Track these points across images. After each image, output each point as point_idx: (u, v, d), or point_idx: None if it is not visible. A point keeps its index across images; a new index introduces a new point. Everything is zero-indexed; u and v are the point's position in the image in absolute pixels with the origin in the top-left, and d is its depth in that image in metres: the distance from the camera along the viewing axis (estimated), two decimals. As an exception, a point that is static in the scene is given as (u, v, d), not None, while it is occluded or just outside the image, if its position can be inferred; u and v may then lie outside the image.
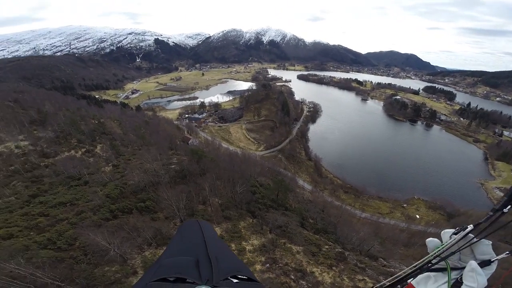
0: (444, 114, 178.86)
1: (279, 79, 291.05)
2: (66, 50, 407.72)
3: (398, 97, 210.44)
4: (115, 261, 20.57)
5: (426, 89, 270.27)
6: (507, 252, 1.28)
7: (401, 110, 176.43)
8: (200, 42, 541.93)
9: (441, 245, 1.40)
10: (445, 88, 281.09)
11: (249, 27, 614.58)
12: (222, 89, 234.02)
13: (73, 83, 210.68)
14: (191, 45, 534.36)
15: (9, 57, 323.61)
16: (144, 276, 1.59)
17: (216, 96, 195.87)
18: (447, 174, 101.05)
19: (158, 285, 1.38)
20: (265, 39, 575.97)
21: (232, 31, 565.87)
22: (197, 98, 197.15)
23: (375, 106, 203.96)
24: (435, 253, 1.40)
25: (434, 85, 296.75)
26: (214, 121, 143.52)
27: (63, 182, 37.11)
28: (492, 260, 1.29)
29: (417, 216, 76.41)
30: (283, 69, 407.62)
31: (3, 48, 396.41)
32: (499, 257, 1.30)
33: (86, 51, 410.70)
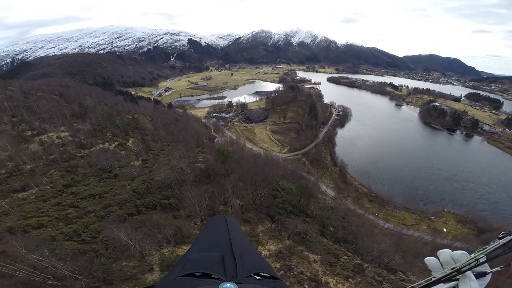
0: (488, 124, 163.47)
1: (308, 81, 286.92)
2: (108, 48, 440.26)
3: (436, 103, 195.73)
4: (133, 257, 21.17)
5: (468, 96, 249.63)
6: (502, 266, 1.34)
7: (439, 117, 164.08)
8: (230, 43, 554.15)
9: (467, 259, 1.40)
10: (491, 95, 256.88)
11: (278, 28, 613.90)
12: (250, 90, 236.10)
13: (112, 79, 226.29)
14: (222, 46, 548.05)
15: (58, 54, 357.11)
16: (172, 270, 1.65)
17: (243, 96, 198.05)
18: (484, 188, 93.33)
19: (186, 280, 1.45)
20: (295, 40, 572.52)
21: (261, 32, 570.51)
22: (225, 97, 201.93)
23: (410, 112, 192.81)
24: (456, 267, 1.43)
25: (478, 91, 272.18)
26: (240, 121, 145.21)
27: (95, 174, 39.64)
28: (487, 272, 1.39)
29: (444, 230, 72.33)
30: (313, 71, 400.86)
31: (54, 46, 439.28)
32: (494, 270, 1.39)
33: (126, 49, 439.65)
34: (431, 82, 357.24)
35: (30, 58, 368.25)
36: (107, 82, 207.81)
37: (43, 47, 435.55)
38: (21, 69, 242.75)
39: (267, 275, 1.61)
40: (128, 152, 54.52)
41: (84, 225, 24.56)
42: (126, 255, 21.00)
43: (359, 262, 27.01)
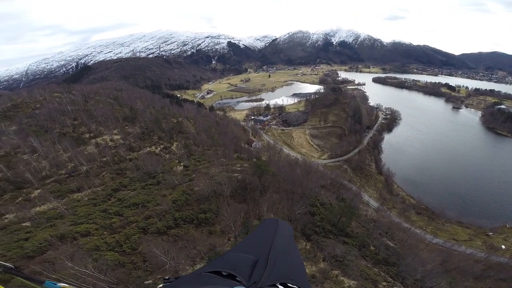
0: None
1: (351, 82, 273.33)
2: (156, 52, 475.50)
3: (503, 106, 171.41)
4: (168, 271, 21.48)
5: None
6: None
7: (506, 122, 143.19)
8: (267, 44, 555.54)
9: None
10: None
11: (317, 28, 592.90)
12: (288, 92, 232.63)
13: (160, 82, 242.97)
14: (259, 47, 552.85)
15: (114, 58, 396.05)
16: (206, 265, 1.73)
17: (281, 98, 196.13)
18: None
19: (210, 277, 1.49)
20: (335, 40, 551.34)
21: (298, 32, 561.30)
22: (263, 99, 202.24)
23: (471, 116, 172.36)
24: None
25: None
26: (277, 124, 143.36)
27: (140, 179, 41.83)
28: None
29: (503, 247, 65.06)
30: (356, 71, 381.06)
31: (110, 50, 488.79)
32: None
33: (172, 53, 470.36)
34: (495, 82, 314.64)
35: (91, 62, 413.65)
36: (156, 85, 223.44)
37: (101, 51, 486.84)
38: (83, 73, 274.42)
39: (295, 287, 1.53)
40: (172, 156, 56.98)
41: (126, 236, 25.75)
42: (162, 270, 21.33)
43: None
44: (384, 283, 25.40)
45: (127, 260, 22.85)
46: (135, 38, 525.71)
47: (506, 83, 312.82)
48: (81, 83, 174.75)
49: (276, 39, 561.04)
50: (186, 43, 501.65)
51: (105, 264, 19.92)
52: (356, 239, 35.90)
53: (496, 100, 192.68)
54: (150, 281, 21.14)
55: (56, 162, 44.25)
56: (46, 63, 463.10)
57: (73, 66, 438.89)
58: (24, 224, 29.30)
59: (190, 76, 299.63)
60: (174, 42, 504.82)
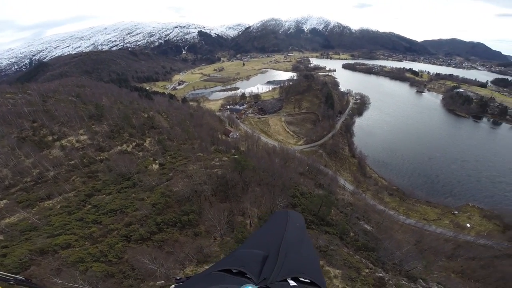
0: None
1: (322, 68, 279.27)
2: (120, 44, 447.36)
3: (460, 90, 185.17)
4: (159, 277, 21.31)
5: (496, 82, 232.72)
6: None
7: (464, 104, 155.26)
8: (240, 33, 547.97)
9: None
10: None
11: (288, 15, 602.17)
12: (262, 79, 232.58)
13: (127, 75, 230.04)
14: (232, 36, 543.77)
15: (73, 52, 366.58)
16: (216, 263, 1.68)
17: (256, 86, 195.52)
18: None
19: (220, 275, 1.48)
20: (306, 27, 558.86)
21: (270, 20, 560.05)
22: (238, 88, 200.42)
23: (433, 99, 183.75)
24: None
25: (506, 77, 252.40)
26: (253, 112, 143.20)
27: (114, 181, 39.83)
28: None
29: (468, 225, 69.97)
30: (327, 58, 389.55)
31: (68, 45, 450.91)
32: None
33: (138, 45, 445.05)
34: (453, 67, 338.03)
35: (47, 58, 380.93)
36: (122, 78, 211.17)
37: (58, 46, 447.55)
38: (39, 69, 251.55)
39: (307, 280, 1.49)
40: (146, 153, 54.59)
41: (109, 246, 24.88)
42: (153, 277, 21.07)
43: (381, 275, 26.26)
44: (367, 270, 26.65)
45: (115, 270, 22.28)
46: (96, 31, 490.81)
47: (463, 68, 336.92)
48: (37, 81, 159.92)
49: (249, 27, 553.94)
50: (153, 34, 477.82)
51: (94, 276, 19.52)
52: (337, 227, 37.19)
53: (455, 84, 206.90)
54: (162, 281, 21.13)
55: (18, 170, 40.91)
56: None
57: (26, 63, 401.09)
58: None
59: (159, 67, 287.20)
60: (140, 33, 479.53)
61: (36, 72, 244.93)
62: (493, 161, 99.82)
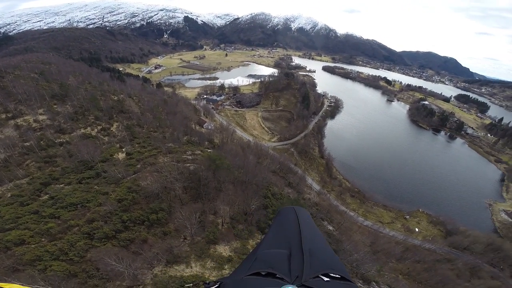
0: (472, 127, 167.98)
1: (303, 68, 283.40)
2: (99, 23, 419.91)
3: (426, 102, 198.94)
4: (127, 278, 20.63)
5: (458, 97, 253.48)
6: None
7: (427, 117, 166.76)
8: (227, 23, 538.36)
9: None
10: (480, 98, 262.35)
11: (279, 12, 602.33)
12: (243, 72, 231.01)
13: (100, 55, 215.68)
14: (219, 25, 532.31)
15: (44, 27, 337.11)
16: (239, 267, 1.67)
17: (236, 78, 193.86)
18: (458, 190, 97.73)
19: (252, 280, 1.45)
20: (294, 25, 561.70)
21: (260, 14, 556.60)
22: (217, 78, 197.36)
23: (400, 109, 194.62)
24: None
25: (468, 93, 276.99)
26: (231, 104, 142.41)
27: (75, 169, 37.24)
28: None
29: (416, 230, 75.82)
30: (309, 58, 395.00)
31: (40, 19, 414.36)
32: None
33: (117, 25, 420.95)
34: (424, 79, 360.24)
35: (14, 32, 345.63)
36: (94, 57, 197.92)
37: (29, 20, 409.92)
38: (1, 43, 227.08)
39: (337, 276, 1.49)
40: (111, 139, 52.45)
41: (70, 243, 23.23)
42: (120, 278, 20.39)
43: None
44: None
45: (78, 269, 21.02)
46: (74, 7, 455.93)
47: (433, 81, 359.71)
48: None
49: (238, 18, 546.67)
50: (136, 14, 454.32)
51: (55, 276, 18.40)
52: None
53: (422, 96, 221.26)
54: (191, 284, 20.26)
55: None
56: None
57: None
58: None
59: (136, 49, 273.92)
60: (122, 13, 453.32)
61: None
62: (445, 172, 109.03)
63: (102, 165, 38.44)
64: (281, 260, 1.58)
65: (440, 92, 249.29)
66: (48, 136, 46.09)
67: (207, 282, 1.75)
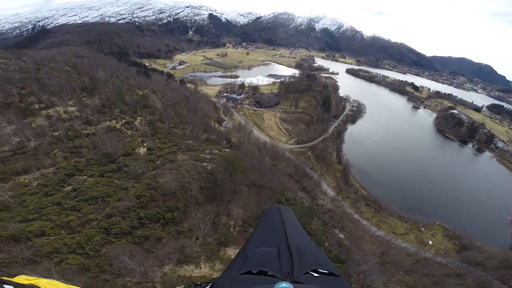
0: (503, 141, 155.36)
1: (326, 70, 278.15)
2: (129, 18, 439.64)
3: (455, 111, 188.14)
4: (139, 275, 21.10)
5: (491, 107, 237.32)
6: None
7: (454, 127, 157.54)
8: (250, 21, 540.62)
9: None
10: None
11: (302, 12, 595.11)
12: (264, 71, 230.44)
13: (128, 49, 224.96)
14: (242, 23, 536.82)
15: (79, 22, 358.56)
16: (230, 266, 1.69)
17: (256, 77, 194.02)
18: (480, 206, 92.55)
19: (244, 278, 1.47)
20: (318, 26, 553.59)
21: (283, 13, 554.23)
22: (238, 77, 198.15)
23: (426, 117, 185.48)
24: None
25: (502, 103, 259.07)
26: (250, 104, 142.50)
27: (98, 161, 38.52)
28: None
29: (430, 242, 73.06)
30: (332, 60, 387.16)
31: (76, 14, 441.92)
32: None
33: (146, 20, 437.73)
34: (455, 87, 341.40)
35: (51, 25, 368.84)
36: (123, 52, 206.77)
37: (65, 14, 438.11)
38: (40, 36, 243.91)
39: (326, 271, 1.53)
40: (134, 133, 54.35)
41: (87, 237, 23.84)
42: (132, 275, 20.94)
43: None
44: None
45: (92, 263, 21.54)
46: (106, 3, 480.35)
47: (464, 89, 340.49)
48: (36, 48, 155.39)
49: (261, 17, 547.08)
50: (164, 11, 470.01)
51: (70, 269, 18.87)
52: (314, 237, 38.10)
53: (451, 105, 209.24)
54: (182, 286, 20.77)
55: None
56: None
57: (28, 29, 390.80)
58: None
59: (162, 45, 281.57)
60: (150, 9, 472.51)
61: (36, 38, 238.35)
62: (468, 186, 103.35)
63: (124, 159, 39.33)
64: (271, 258, 1.61)
65: (471, 101, 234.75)
66: (75, 127, 48.50)
67: (199, 283, 1.77)
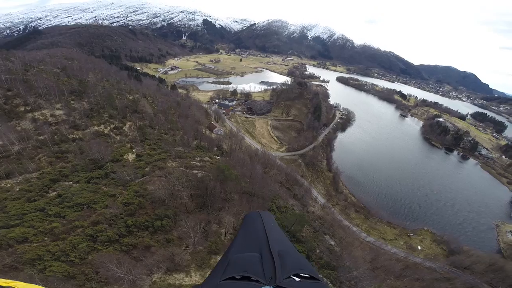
0: (486, 148, 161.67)
1: (317, 78, 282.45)
2: (123, 21, 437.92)
3: (441, 119, 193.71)
4: (127, 283, 20.63)
5: (475, 115, 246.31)
6: None
7: (440, 135, 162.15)
8: (244, 28, 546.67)
9: None
10: (497, 117, 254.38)
11: (295, 20, 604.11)
12: (256, 78, 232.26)
13: (120, 53, 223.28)
14: (236, 30, 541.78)
15: (72, 23, 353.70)
16: (213, 272, 1.69)
17: (249, 84, 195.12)
18: (466, 210, 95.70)
19: (227, 284, 1.48)
20: (310, 34, 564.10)
21: (277, 21, 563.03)
22: (230, 83, 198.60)
23: (413, 125, 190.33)
24: None
25: (485, 111, 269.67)
26: (242, 111, 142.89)
27: (85, 167, 37.63)
28: None
29: (419, 248, 74.55)
30: (323, 68, 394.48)
31: (69, 15, 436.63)
32: None
33: (140, 24, 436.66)
34: (441, 95, 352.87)
35: (43, 26, 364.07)
36: (114, 55, 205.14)
37: (58, 16, 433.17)
38: (30, 37, 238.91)
39: (307, 275, 1.54)
40: (123, 138, 53.35)
41: (72, 245, 23.22)
42: (119, 283, 20.47)
43: None
44: None
45: (77, 271, 21.00)
46: (101, 5, 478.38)
47: (450, 97, 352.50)
48: (26, 49, 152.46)
49: (255, 24, 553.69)
50: (158, 15, 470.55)
51: (54, 276, 18.49)
52: (306, 244, 38.38)
53: (437, 113, 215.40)
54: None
55: None
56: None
57: (20, 29, 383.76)
58: None
59: (155, 49, 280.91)
60: (145, 13, 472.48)
61: (27, 39, 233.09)
62: (454, 192, 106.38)
63: (112, 165, 38.41)
64: (254, 263, 1.62)
65: (456, 109, 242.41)
66: (62, 131, 47.37)
67: None
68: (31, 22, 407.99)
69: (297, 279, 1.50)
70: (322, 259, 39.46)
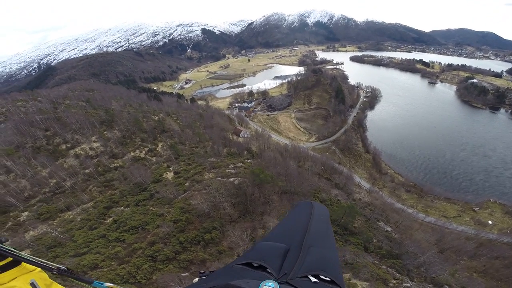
0: None
1: (330, 61, 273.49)
2: (125, 45, 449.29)
3: (475, 80, 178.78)
4: None
5: (510, 71, 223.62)
6: None
7: (479, 96, 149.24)
8: (243, 29, 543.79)
9: None
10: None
11: (291, 10, 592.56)
12: (269, 75, 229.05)
13: (134, 76, 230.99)
14: (236, 32, 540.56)
15: (79, 55, 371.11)
16: (239, 257, 1.68)
17: (263, 82, 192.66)
18: None
19: (241, 269, 1.45)
20: (310, 20, 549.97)
21: (273, 15, 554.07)
22: (245, 85, 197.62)
23: (446, 90, 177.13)
24: None
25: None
26: (262, 109, 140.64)
27: (131, 191, 39.31)
28: None
29: (490, 222, 67.03)
30: (333, 51, 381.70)
31: (74, 47, 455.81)
32: None
33: (142, 45, 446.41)
34: (465, 57, 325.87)
35: (54, 61, 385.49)
36: (130, 79, 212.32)
37: (64, 49, 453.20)
38: (47, 74, 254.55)
39: (328, 279, 1.40)
40: (159, 159, 54.08)
41: (137, 267, 24.52)
42: None
43: (408, 285, 25.88)
44: (394, 281, 25.70)
45: None
46: (100, 33, 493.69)
47: (476, 58, 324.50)
48: (47, 86, 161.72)
49: (252, 22, 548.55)
50: (157, 33, 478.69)
51: None
52: (360, 235, 36.27)
53: (469, 75, 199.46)
54: (187, 273, 21.28)
55: (36, 181, 41.10)
56: (4, 66, 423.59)
57: (35, 68, 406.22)
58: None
59: (165, 67, 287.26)
60: (144, 33, 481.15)
61: (45, 76, 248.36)
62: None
63: (154, 186, 40.07)
64: (276, 255, 1.56)
65: (487, 68, 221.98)
66: (103, 162, 49.12)
67: (202, 271, 1.79)
68: (42, 59, 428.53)
69: (314, 280, 1.36)
70: (382, 248, 36.85)
